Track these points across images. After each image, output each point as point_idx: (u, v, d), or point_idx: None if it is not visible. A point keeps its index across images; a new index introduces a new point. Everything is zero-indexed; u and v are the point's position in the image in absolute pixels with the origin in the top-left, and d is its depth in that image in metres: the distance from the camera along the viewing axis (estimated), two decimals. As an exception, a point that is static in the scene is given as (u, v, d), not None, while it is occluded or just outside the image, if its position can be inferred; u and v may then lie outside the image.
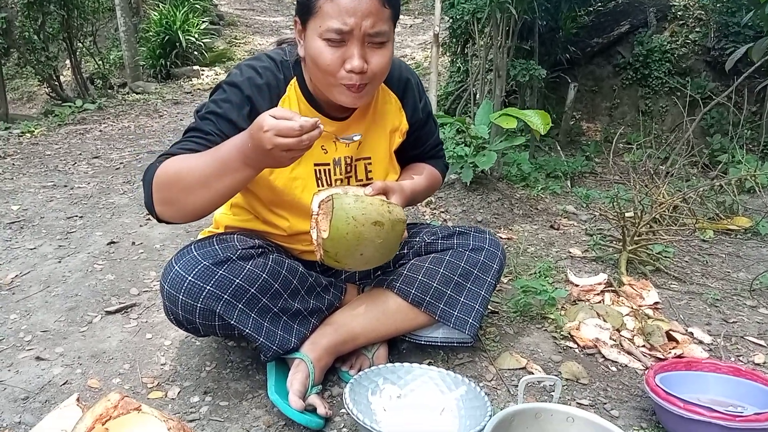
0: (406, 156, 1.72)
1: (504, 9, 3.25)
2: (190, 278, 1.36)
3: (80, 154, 4.20)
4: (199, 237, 1.73)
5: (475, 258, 1.62)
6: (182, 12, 7.67)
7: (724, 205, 3.31)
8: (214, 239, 1.45)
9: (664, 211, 2.73)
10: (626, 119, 6.03)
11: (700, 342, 1.94)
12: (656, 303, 2.17)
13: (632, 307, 2.10)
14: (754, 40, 5.10)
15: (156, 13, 7.69)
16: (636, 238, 2.52)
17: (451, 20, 4.43)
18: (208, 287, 1.36)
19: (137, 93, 6.78)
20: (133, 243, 2.55)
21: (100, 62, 6.87)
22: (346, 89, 1.35)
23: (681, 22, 6.08)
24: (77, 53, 6.06)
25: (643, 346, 1.87)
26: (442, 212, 3.13)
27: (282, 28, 10.33)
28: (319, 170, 1.54)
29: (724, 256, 2.83)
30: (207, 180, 1.27)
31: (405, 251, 1.70)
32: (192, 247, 1.42)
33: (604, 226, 3.07)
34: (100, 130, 4.99)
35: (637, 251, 2.51)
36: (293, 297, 1.51)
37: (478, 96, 3.73)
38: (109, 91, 6.69)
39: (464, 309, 1.60)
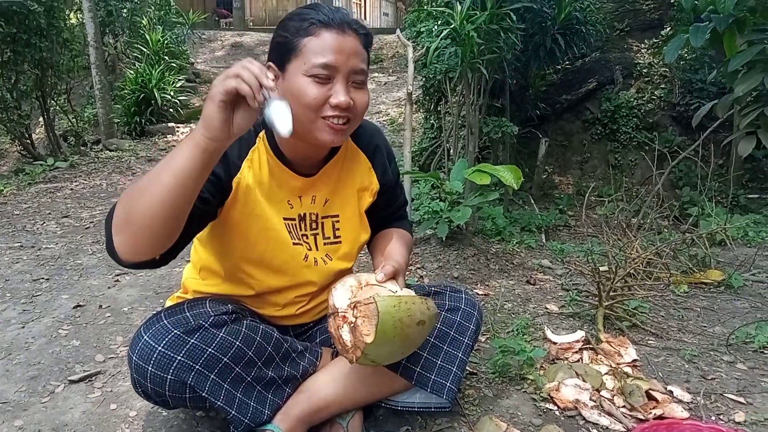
0: (377, 216, 1.71)
1: (475, 69, 3.32)
2: (160, 348, 1.31)
3: (50, 213, 4.12)
4: (168, 304, 1.69)
5: (451, 319, 1.60)
6: (158, 70, 7.72)
7: (696, 258, 3.34)
8: (185, 306, 1.40)
9: (638, 266, 2.74)
10: (597, 172, 6.15)
11: (680, 401, 1.91)
12: (635, 360, 2.15)
13: (611, 365, 2.08)
14: (717, 96, 5.28)
15: (132, 72, 7.73)
16: (611, 293, 2.52)
17: (424, 79, 4.52)
18: (179, 357, 1.31)
19: (111, 150, 6.75)
20: (100, 306, 2.48)
21: (74, 120, 6.84)
22: (329, 127, 1.35)
23: (647, 79, 6.30)
24: (50, 111, 6.03)
25: (624, 406, 1.83)
26: (419, 268, 3.11)
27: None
28: (288, 224, 1.53)
29: (699, 309, 2.83)
30: (157, 174, 1.14)
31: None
32: (162, 315, 1.37)
33: (579, 281, 3.07)
34: (71, 189, 4.92)
35: (613, 307, 2.50)
36: (267, 365, 1.46)
37: (452, 152, 3.78)
38: (83, 148, 6.64)
39: (441, 373, 1.56)
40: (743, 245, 3.76)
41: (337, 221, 1.60)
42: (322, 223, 1.58)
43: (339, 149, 1.57)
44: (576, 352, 2.18)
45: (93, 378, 1.91)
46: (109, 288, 2.68)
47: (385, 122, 7.66)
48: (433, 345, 1.57)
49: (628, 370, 2.10)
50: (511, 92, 4.63)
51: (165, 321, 1.35)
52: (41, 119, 5.98)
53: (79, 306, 2.48)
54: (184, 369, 1.31)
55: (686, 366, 2.21)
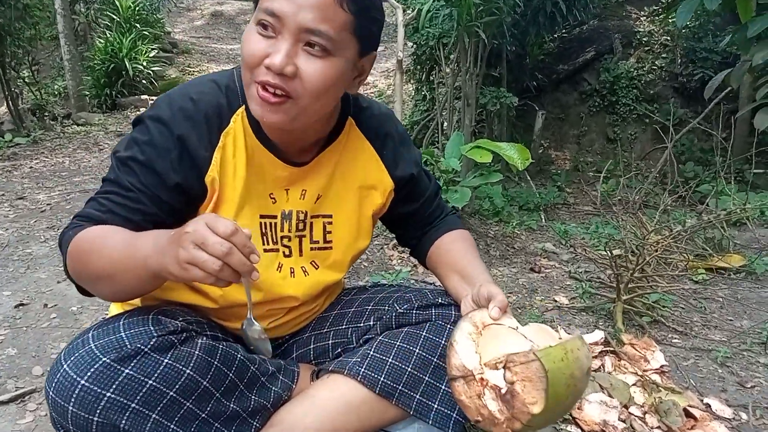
0: (411, 220, 1.42)
1: (472, 33, 2.98)
2: (83, 382, 0.98)
3: (3, 194, 3.74)
4: (112, 311, 1.37)
5: (459, 333, 1.29)
6: (129, 39, 7.27)
7: (713, 241, 3.07)
8: (122, 322, 1.07)
9: (656, 252, 2.46)
10: (594, 147, 5.86)
11: (721, 417, 1.64)
12: (662, 366, 1.87)
13: (637, 373, 1.80)
14: (721, 65, 4.98)
15: (101, 41, 7.27)
16: (630, 285, 2.23)
17: (415, 46, 4.16)
18: (109, 394, 0.99)
19: (79, 125, 6.33)
20: (46, 305, 2.14)
21: (38, 92, 6.40)
22: (257, 93, 1.03)
23: (647, 48, 5.98)
24: (10, 83, 5.59)
25: (658, 427, 1.55)
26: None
27: (239, 56, 9.99)
28: (265, 223, 1.22)
29: (721, 300, 2.56)
30: (112, 272, 1.02)
31: (372, 323, 1.35)
32: (90, 335, 1.04)
33: (588, 268, 2.79)
34: (31, 167, 4.53)
35: (632, 301, 2.22)
36: (228, 395, 1.15)
37: (446, 125, 3.45)
38: (52, 123, 6.23)
39: (446, 400, 1.26)
40: (760, 226, 3.49)
41: (329, 223, 1.29)
42: (311, 224, 1.28)
43: (338, 135, 1.25)
44: (596, 357, 1.89)
45: (26, 398, 1.59)
46: (58, 282, 2.34)
47: (372, 94, 7.29)
48: (436, 366, 1.26)
49: (657, 377, 1.81)
50: (508, 61, 4.29)
51: (92, 344, 1.02)
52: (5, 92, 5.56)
53: (22, 305, 2.15)
54: (116, 409, 0.99)
55: (719, 371, 1.94)
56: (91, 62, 7.22)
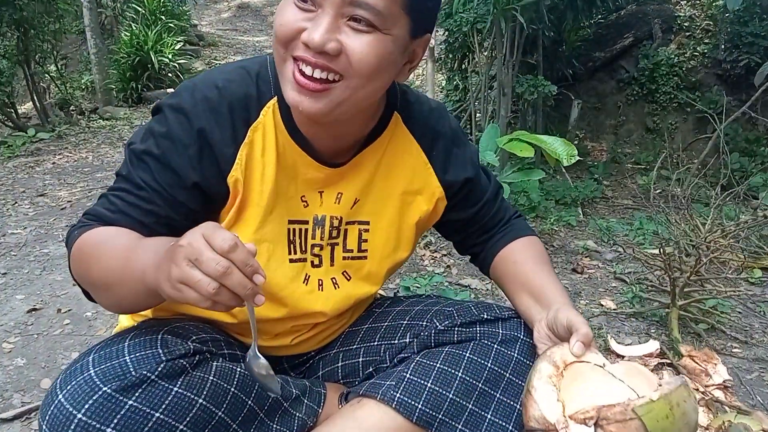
0: (460, 220, 1.24)
1: (509, 17, 2.80)
2: (80, 416, 0.85)
3: (24, 191, 3.67)
4: (118, 325, 1.25)
5: (507, 354, 1.13)
6: (154, 32, 7.20)
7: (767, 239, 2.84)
8: (126, 343, 0.94)
9: (712, 252, 2.26)
10: (633, 137, 5.61)
11: (799, 442, 1.46)
12: (725, 381, 1.68)
13: (699, 390, 1.62)
14: (768, 51, 4.71)
15: (126, 33, 7.21)
16: (686, 289, 2.04)
17: (447, 33, 3.98)
18: (109, 430, 0.86)
19: (104, 119, 6.28)
20: (59, 310, 2.04)
21: (63, 87, 6.36)
22: (293, 75, 0.88)
23: (688, 33, 5.70)
24: (34, 77, 5.54)
25: (730, 454, 1.38)
26: (444, 255, 2.64)
27: (266, 48, 9.89)
28: (294, 230, 1.07)
29: (781, 303, 2.36)
30: (110, 282, 0.91)
31: (407, 340, 1.20)
32: (90, 359, 0.90)
33: (634, 268, 2.60)
34: (54, 162, 4.46)
35: (687, 306, 2.03)
36: (247, 425, 1.01)
37: (479, 116, 3.27)
38: (78, 117, 6.18)
39: (492, 431, 1.10)
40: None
41: (366, 230, 1.13)
42: (346, 231, 1.13)
43: (382, 133, 1.09)
44: (653, 371, 1.72)
45: (32, 415, 1.47)
46: (73, 285, 2.24)
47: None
48: (481, 392, 1.10)
49: (720, 394, 1.63)
50: (543, 48, 4.08)
51: (92, 371, 0.88)
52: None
53: (35, 310, 2.05)
54: (118, 447, 0.86)
55: (789, 385, 1.75)
56: (117, 55, 7.17)
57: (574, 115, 4.80)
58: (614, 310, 2.18)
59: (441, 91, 5.23)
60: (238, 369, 1.01)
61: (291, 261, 1.08)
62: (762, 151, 5.12)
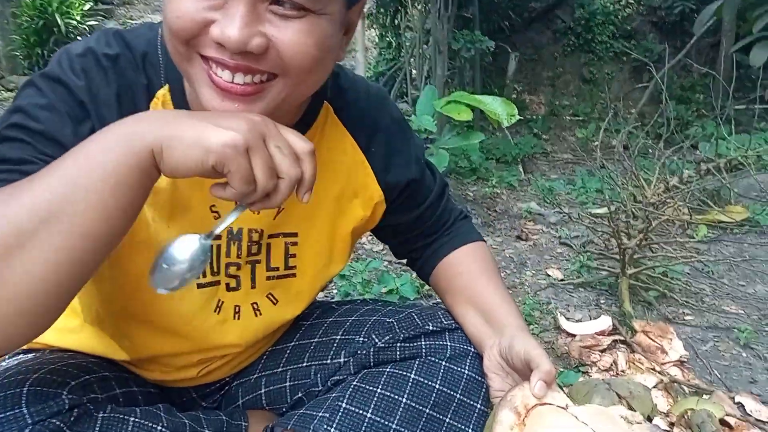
0: (400, 223, 1.06)
1: (441, -32, 2.60)
2: None
3: None
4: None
5: (456, 372, 0.97)
6: (60, -9, 6.61)
7: (711, 192, 2.81)
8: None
9: (659, 214, 2.18)
10: (570, 89, 5.55)
11: (760, 421, 1.39)
12: (682, 356, 1.61)
13: (655, 370, 1.54)
14: (705, -2, 4.66)
15: (29, -6, 6.60)
16: (635, 256, 1.95)
17: (375, -14, 3.75)
18: None
19: (9, 90, 5.76)
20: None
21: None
22: (208, 77, 0.67)
23: (623, -21, 5.62)
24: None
25: (692, 443, 1.30)
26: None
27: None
28: None
29: (729, 261, 2.32)
30: (55, 210, 0.59)
31: (342, 360, 1.03)
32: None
33: (578, 231, 2.51)
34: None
35: (638, 274, 1.94)
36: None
37: (414, 73, 3.09)
38: (-20, 88, 5.66)
39: (444, 465, 0.96)
40: (758, 170, 3.23)
41: (294, 243, 0.93)
42: (269, 246, 0.92)
43: (310, 127, 0.89)
44: (605, 351, 1.63)
45: None
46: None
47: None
48: (429, 418, 0.95)
49: (677, 372, 1.56)
50: (479, 0, 3.89)
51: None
52: None
53: None
54: None
55: (744, 355, 1.70)
56: (20, 19, 6.56)
57: (512, 68, 4.68)
58: (562, 281, 2.09)
59: (374, 49, 4.99)
60: (132, 418, 0.82)
61: (199, 286, 0.88)
62: (697, 98, 5.14)
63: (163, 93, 0.78)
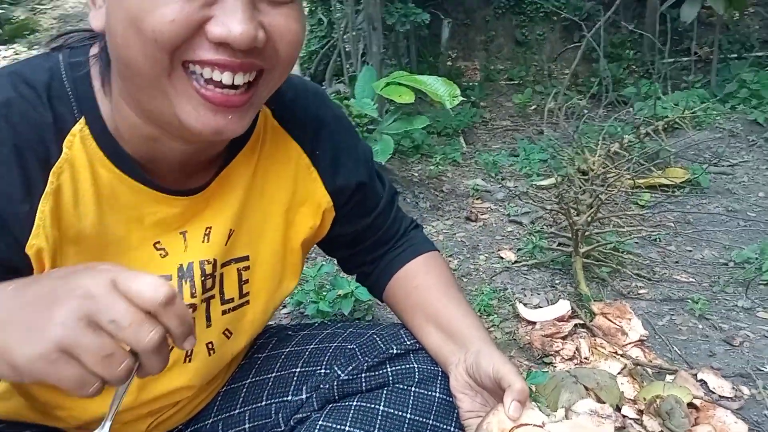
0: (349, 233, 0.98)
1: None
2: None
3: None
4: None
5: (427, 396, 0.91)
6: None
7: (651, 155, 2.83)
8: None
9: (607, 187, 2.17)
10: (503, 52, 5.52)
11: (722, 397, 1.41)
12: (641, 335, 1.61)
13: (617, 353, 1.53)
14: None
15: None
16: (586, 233, 1.94)
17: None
18: None
19: None
20: None
21: None
22: (198, 94, 0.60)
23: (548, -63, 5.56)
24: None
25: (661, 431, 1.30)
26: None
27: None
28: None
29: (672, 225, 2.35)
30: None
31: (304, 396, 0.96)
32: None
33: (526, 208, 2.49)
34: None
35: (590, 252, 1.93)
36: None
37: (348, 49, 2.97)
38: None
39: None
40: (693, 128, 3.29)
41: (246, 268, 0.84)
42: (221, 276, 0.83)
43: (249, 136, 0.80)
44: (566, 338, 1.61)
45: None
46: None
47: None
48: (402, 455, 0.90)
49: (638, 353, 1.56)
50: (407, -32, 3.77)
51: None
52: None
53: None
54: None
55: (700, 327, 1.72)
56: None
57: (446, 35, 4.60)
58: (516, 263, 2.06)
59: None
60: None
61: None
62: (627, 54, 5.19)
63: (79, 128, 0.67)
